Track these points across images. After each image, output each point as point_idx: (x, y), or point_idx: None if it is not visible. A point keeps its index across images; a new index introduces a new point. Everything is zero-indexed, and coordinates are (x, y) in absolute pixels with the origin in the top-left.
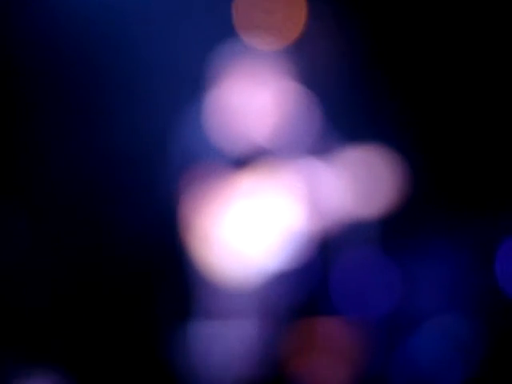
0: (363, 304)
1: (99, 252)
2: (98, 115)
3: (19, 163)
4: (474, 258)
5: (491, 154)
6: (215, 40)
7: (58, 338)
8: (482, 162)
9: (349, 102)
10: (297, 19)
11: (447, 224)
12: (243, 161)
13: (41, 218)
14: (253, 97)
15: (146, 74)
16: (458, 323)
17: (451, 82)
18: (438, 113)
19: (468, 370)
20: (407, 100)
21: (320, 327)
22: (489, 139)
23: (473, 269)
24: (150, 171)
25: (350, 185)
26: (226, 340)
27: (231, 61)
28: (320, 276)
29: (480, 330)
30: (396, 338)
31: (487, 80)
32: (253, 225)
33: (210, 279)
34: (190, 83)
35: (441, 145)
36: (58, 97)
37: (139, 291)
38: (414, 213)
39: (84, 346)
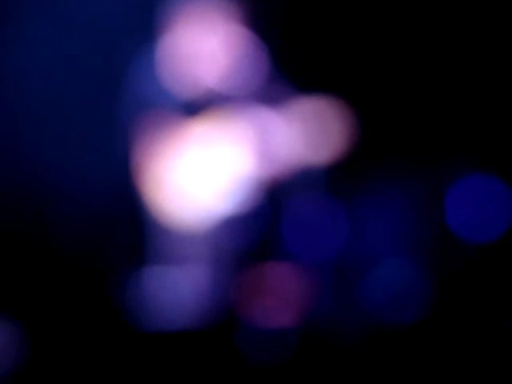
0: (312, 247)
1: (56, 196)
2: (54, 61)
3: None
4: (421, 202)
5: (437, 102)
6: None
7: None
8: (429, 109)
9: (297, 49)
10: None
11: (395, 170)
12: (195, 107)
13: None
14: (203, 42)
15: (98, 19)
16: (405, 266)
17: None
18: (384, 62)
19: (415, 312)
20: (356, 49)
21: (269, 271)
22: (434, 88)
23: (420, 213)
24: (105, 117)
25: (298, 132)
26: (178, 284)
27: (182, 7)
28: (269, 220)
29: (427, 273)
30: (344, 281)
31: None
32: (204, 170)
33: (162, 223)
34: (142, 28)
35: (387, 93)
36: None
37: (93, 236)
38: (362, 160)
39: (39, 294)
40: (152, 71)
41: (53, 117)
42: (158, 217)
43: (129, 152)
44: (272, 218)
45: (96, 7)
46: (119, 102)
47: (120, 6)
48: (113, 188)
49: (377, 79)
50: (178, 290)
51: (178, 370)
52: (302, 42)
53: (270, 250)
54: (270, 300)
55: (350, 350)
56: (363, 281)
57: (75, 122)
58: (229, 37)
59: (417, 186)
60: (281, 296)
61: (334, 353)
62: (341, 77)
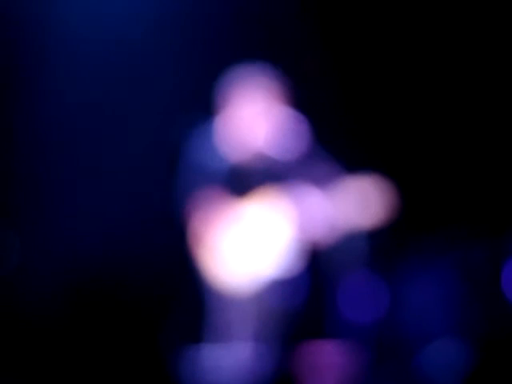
0: (354, 319)
1: (113, 265)
2: (114, 128)
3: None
4: (468, 277)
5: (481, 177)
6: (224, 63)
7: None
8: (473, 183)
9: (339, 126)
10: None
11: (438, 244)
12: (245, 180)
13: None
14: (253, 119)
15: (159, 90)
16: (449, 344)
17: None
18: (426, 136)
19: None
20: (396, 125)
21: (318, 347)
22: (476, 161)
23: (462, 289)
24: (163, 187)
25: (341, 205)
26: (233, 361)
27: (236, 84)
28: (314, 288)
29: (469, 350)
30: (388, 354)
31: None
32: (254, 240)
33: (217, 291)
34: (200, 103)
35: (429, 167)
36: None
37: (151, 306)
38: (404, 233)
39: (96, 361)
40: (208, 144)
41: (118, 186)
42: (212, 285)
43: (186, 222)
44: (317, 285)
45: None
46: (179, 173)
47: (180, 83)
48: (172, 258)
49: (414, 153)
50: (233, 363)
51: None
52: (342, 115)
53: (317, 317)
54: (320, 372)
55: None
56: (410, 353)
57: (138, 190)
58: (276, 113)
59: (467, 255)
60: (330, 368)
61: None
62: (382, 150)
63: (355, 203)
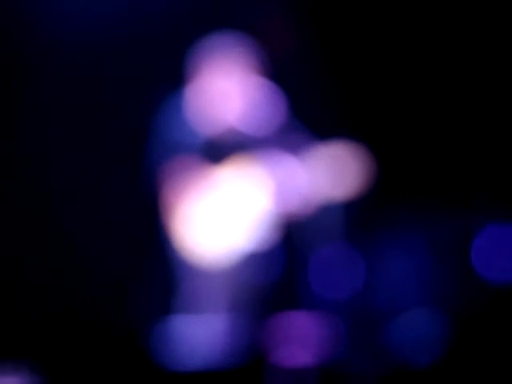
0: (331, 288)
1: (85, 239)
2: (85, 105)
3: None
4: (440, 249)
5: (456, 148)
6: (196, 33)
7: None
8: (446, 154)
9: (314, 95)
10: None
11: (414, 216)
12: (218, 149)
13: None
14: (226, 88)
15: (129, 65)
16: (421, 316)
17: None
18: (401, 106)
19: (432, 359)
20: (374, 94)
21: (292, 317)
22: (449, 132)
23: (442, 255)
24: (135, 160)
25: (316, 175)
26: (205, 328)
27: (207, 55)
28: (289, 259)
29: (444, 321)
30: (361, 325)
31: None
32: (227, 210)
33: (189, 262)
34: (170, 76)
35: (407, 138)
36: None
37: (123, 280)
38: (380, 204)
39: (69, 338)
40: (179, 116)
41: (84, 160)
42: (184, 256)
43: (157, 194)
44: (291, 257)
45: (129, 58)
46: (149, 145)
47: (149, 56)
48: (141, 230)
49: (392, 124)
50: (205, 334)
51: None
52: (319, 89)
53: (291, 289)
54: (292, 343)
55: None
56: (383, 325)
57: (106, 164)
58: (249, 84)
59: (439, 227)
60: (302, 339)
61: None
62: (357, 120)
63: (330, 173)
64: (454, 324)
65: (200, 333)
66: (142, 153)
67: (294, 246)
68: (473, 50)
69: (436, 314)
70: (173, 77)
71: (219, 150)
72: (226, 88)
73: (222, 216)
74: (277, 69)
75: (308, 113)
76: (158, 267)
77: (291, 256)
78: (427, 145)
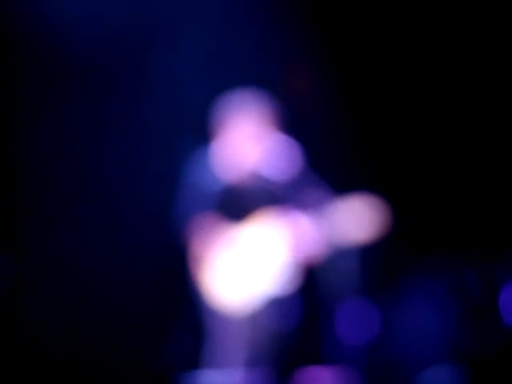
0: (348, 340)
1: (119, 292)
2: (111, 158)
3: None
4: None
5: (479, 199)
6: (219, 89)
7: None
8: (470, 205)
9: (332, 149)
10: None
11: (433, 266)
12: (240, 201)
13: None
14: (249, 144)
15: (159, 116)
16: (443, 368)
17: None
18: (421, 156)
19: None
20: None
21: (313, 372)
22: (472, 183)
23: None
24: (164, 212)
25: (335, 225)
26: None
27: (230, 112)
28: (307, 309)
29: (464, 374)
30: (381, 379)
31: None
32: (251, 261)
33: (215, 311)
34: (196, 129)
35: (424, 189)
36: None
37: (152, 329)
38: (398, 254)
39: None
40: (205, 167)
41: (115, 214)
42: (211, 305)
43: (185, 245)
44: (312, 306)
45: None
46: (178, 195)
47: (176, 112)
48: (170, 282)
49: (407, 174)
50: None
51: None
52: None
53: (312, 337)
54: None
55: None
56: (403, 377)
57: (137, 217)
58: (269, 137)
59: (463, 277)
60: None
61: None
62: (379, 171)
63: (348, 224)
64: (476, 377)
65: None
66: (172, 204)
67: (314, 295)
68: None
69: (458, 367)
70: (200, 130)
71: (242, 200)
72: (247, 141)
73: (245, 265)
74: (294, 122)
75: (325, 165)
76: (186, 318)
77: (311, 304)
78: (453, 196)
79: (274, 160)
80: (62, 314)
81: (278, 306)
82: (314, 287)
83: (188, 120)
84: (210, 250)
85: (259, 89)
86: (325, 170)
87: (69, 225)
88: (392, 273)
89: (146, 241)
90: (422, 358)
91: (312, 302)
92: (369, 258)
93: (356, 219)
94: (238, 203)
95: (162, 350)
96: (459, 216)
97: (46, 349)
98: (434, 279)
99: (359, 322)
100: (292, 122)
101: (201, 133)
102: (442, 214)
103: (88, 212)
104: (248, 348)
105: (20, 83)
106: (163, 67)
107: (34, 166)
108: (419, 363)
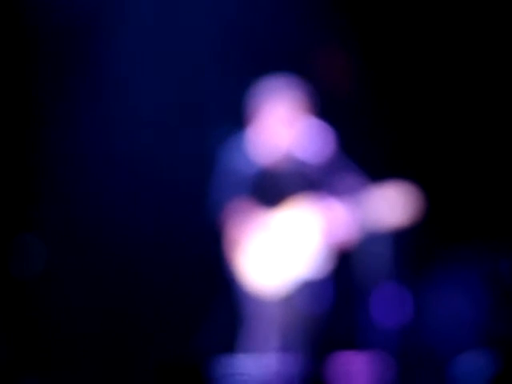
0: (381, 325)
1: (148, 271)
2: (146, 142)
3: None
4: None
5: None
6: (254, 75)
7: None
8: (506, 194)
9: (366, 135)
10: None
11: (466, 254)
12: (274, 186)
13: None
14: (283, 128)
15: (195, 103)
16: (477, 353)
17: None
18: (458, 142)
19: None
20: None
21: (348, 358)
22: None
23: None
24: (199, 195)
25: (369, 211)
26: (264, 368)
27: (264, 98)
28: (341, 294)
29: (497, 360)
30: (415, 363)
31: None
32: (285, 244)
33: (250, 295)
34: (232, 114)
35: (458, 178)
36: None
37: (186, 313)
38: (432, 241)
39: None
40: (241, 152)
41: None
42: (245, 289)
43: (221, 228)
44: (345, 291)
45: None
46: (214, 180)
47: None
48: (206, 266)
49: (442, 165)
50: (265, 375)
51: None
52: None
53: (345, 321)
54: (349, 381)
55: None
56: (436, 362)
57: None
58: (303, 123)
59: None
60: (361, 379)
61: None
62: (414, 158)
63: (382, 210)
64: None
65: (260, 370)
66: (208, 189)
67: (348, 279)
68: None
69: (491, 354)
70: (235, 115)
71: (277, 184)
72: (282, 126)
73: (280, 249)
74: (329, 107)
75: (360, 151)
76: (222, 302)
77: (345, 289)
78: (488, 185)
79: (308, 144)
80: (95, 298)
81: (311, 291)
82: (348, 272)
83: (224, 106)
84: (245, 234)
85: (293, 74)
86: (359, 156)
87: (107, 209)
88: (426, 259)
89: (183, 225)
90: (454, 343)
91: (346, 286)
92: (403, 243)
93: (390, 205)
94: (272, 187)
95: (197, 333)
96: (494, 205)
97: (80, 331)
98: (468, 266)
99: (393, 307)
100: (327, 106)
101: (236, 118)
102: (477, 202)
103: (123, 197)
104: (282, 332)
105: None
106: (197, 54)
107: (64, 146)
108: (452, 348)
